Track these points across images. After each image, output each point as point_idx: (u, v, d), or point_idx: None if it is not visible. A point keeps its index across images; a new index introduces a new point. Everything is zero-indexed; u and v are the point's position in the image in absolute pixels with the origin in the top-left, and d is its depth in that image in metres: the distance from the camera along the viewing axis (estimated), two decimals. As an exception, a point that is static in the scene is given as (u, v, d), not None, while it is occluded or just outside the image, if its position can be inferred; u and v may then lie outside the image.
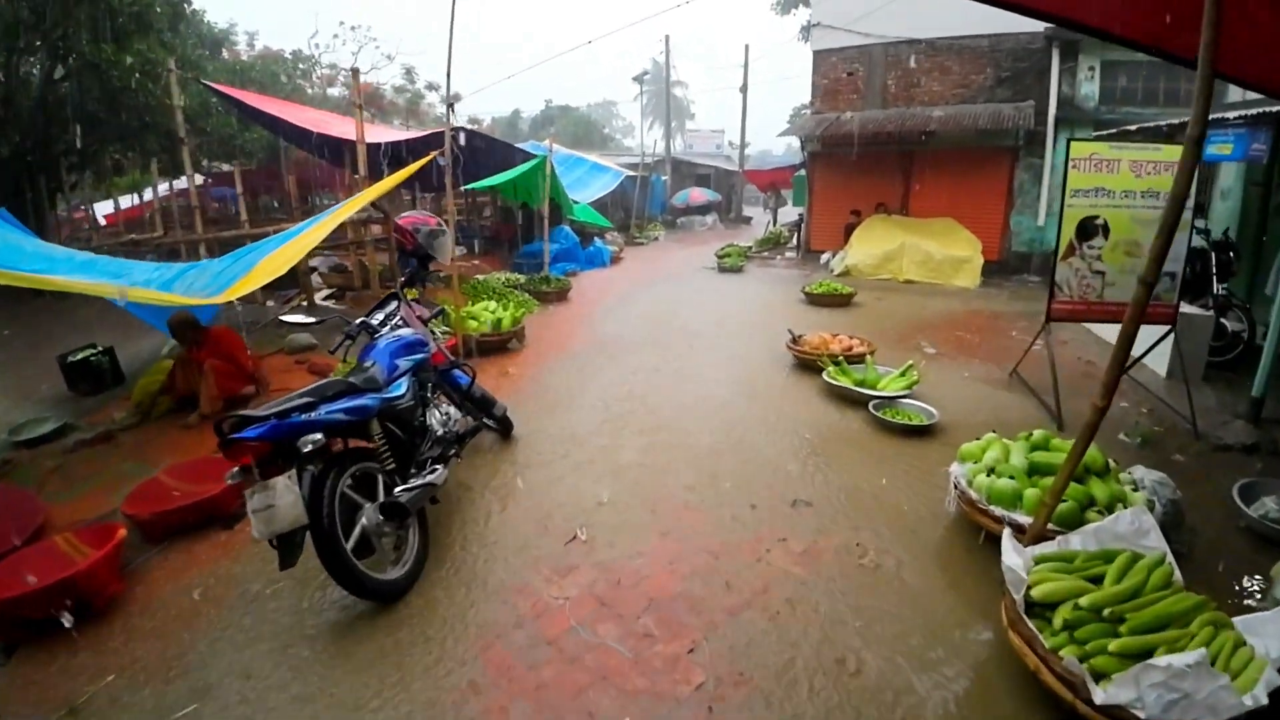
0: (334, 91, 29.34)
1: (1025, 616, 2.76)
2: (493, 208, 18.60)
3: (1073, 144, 5.76)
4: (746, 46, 28.57)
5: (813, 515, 3.95)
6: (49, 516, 4.25)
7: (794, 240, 18.41)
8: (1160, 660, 2.31)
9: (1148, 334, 6.50)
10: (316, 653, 2.94)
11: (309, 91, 26.36)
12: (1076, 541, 3.21)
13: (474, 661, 2.84)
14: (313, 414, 3.03)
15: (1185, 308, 6.35)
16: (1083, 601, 2.73)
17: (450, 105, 6.66)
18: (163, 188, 18.89)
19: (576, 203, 16.02)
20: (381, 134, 10.69)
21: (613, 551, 3.59)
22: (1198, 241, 6.95)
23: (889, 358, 6.93)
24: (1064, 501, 3.39)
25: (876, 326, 8.85)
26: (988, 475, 3.74)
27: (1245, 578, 3.42)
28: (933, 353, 7.62)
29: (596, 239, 17.18)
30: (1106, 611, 2.68)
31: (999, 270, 13.21)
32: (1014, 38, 13.40)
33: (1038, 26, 12.79)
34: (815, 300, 10.46)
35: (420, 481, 3.35)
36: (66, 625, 3.07)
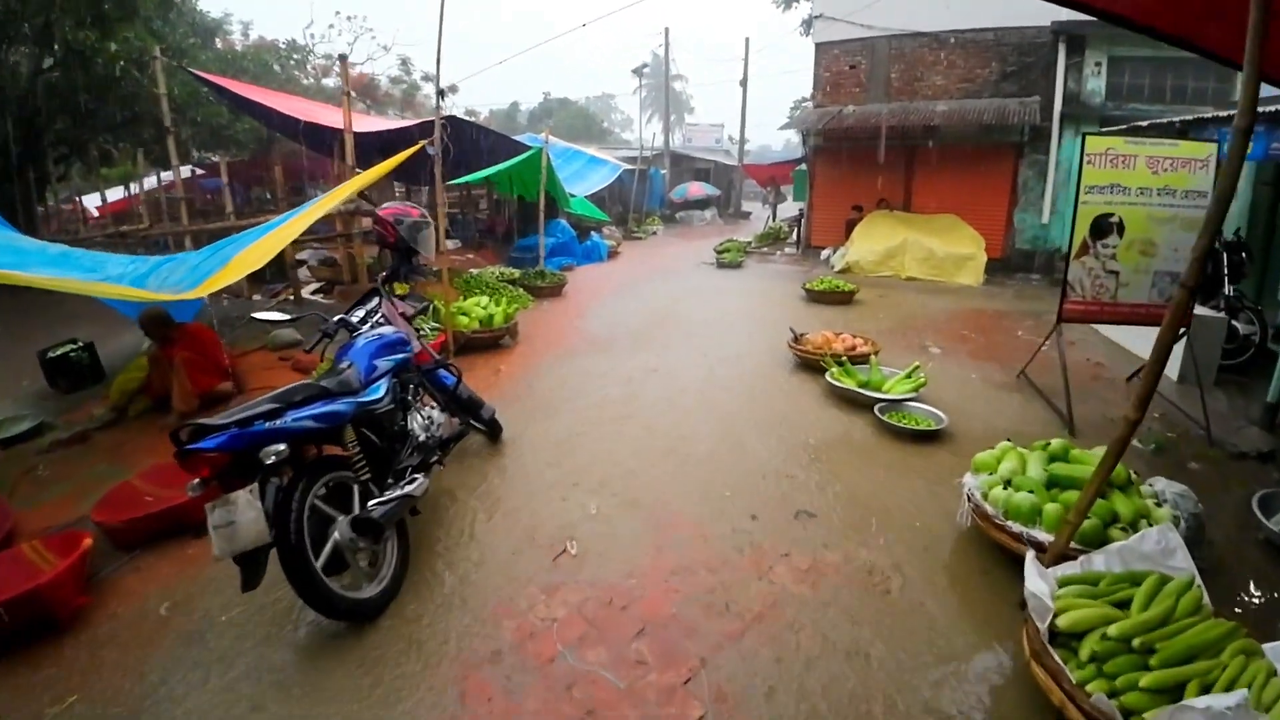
0: (329, 82, 28.98)
1: (1050, 647, 2.56)
2: (488, 201, 18.33)
3: (1089, 138, 5.52)
4: (747, 40, 28.39)
5: (817, 527, 3.73)
6: (17, 522, 4.05)
7: (794, 236, 18.18)
8: (1198, 702, 2.13)
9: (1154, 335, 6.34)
10: (283, 682, 2.71)
11: (304, 82, 26.02)
12: (1100, 562, 3.01)
13: (452, 691, 2.61)
14: (278, 422, 2.79)
15: (1198, 310, 6.15)
16: (1111, 631, 2.53)
17: (440, 92, 6.38)
18: (155, 179, 18.66)
19: (573, 196, 15.77)
20: (370, 123, 10.43)
21: (604, 567, 3.36)
22: (1207, 241, 6.72)
23: (893, 358, 6.72)
24: (1086, 518, 3.19)
25: (879, 325, 8.64)
26: (1004, 488, 3.52)
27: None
28: (937, 353, 7.40)
29: (593, 233, 16.93)
30: (1136, 642, 2.48)
31: (1001, 268, 13.00)
32: (1019, 31, 13.16)
33: (1044, 20, 12.55)
34: (816, 297, 10.23)
35: (397, 493, 3.11)
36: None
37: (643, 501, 4.02)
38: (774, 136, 66.91)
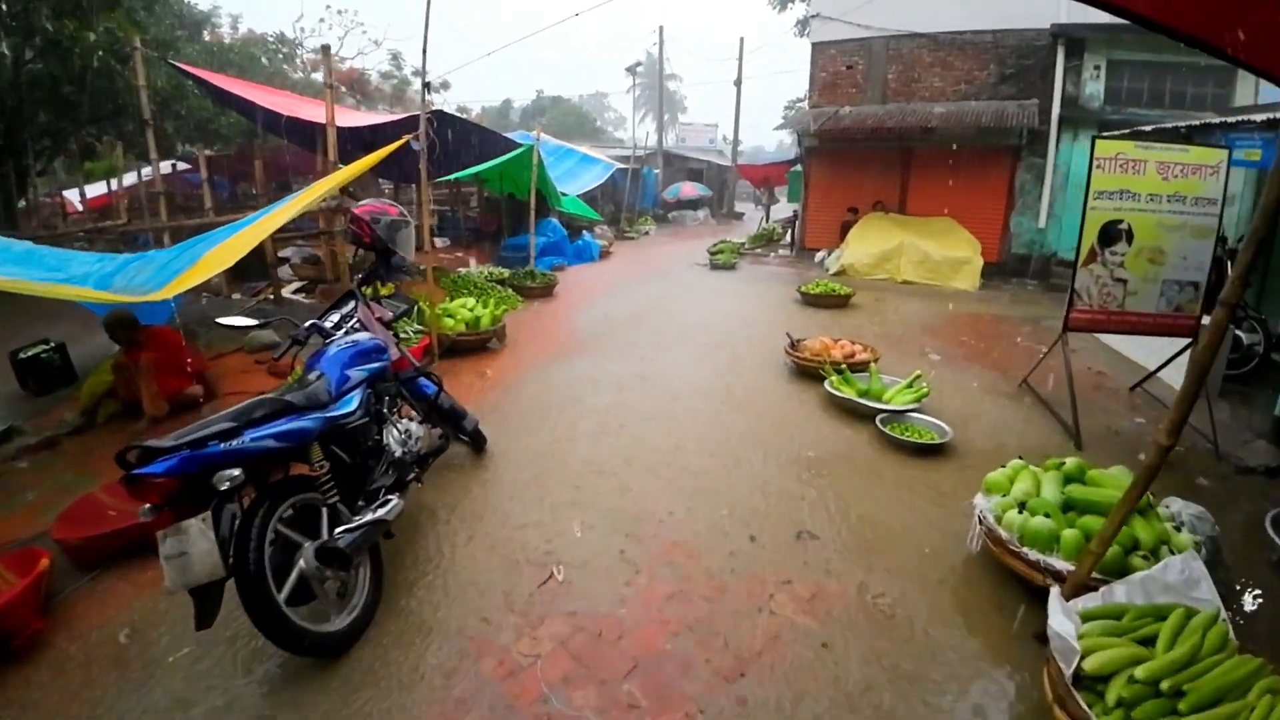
0: (319, 76, 28.59)
1: (1074, 690, 2.36)
2: (479, 198, 18.05)
3: (1098, 142, 5.34)
4: (741, 39, 28.18)
5: (819, 550, 3.51)
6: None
7: (788, 237, 18.01)
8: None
9: (1164, 345, 6.18)
10: (240, 723, 2.48)
11: (294, 76, 25.63)
12: (1121, 593, 2.83)
13: (425, 738, 2.39)
14: (234, 442, 2.54)
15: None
16: (1139, 673, 2.35)
17: (427, 86, 6.12)
18: (136, 174, 18.23)
19: (565, 195, 15.52)
20: (354, 118, 10.15)
21: (593, 596, 3.13)
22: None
23: (892, 365, 6.52)
24: (1107, 545, 3.01)
25: (876, 330, 8.45)
26: (1018, 511, 3.32)
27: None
28: (937, 359, 7.21)
29: (585, 232, 16.69)
30: (1165, 684, 2.31)
31: (997, 272, 12.85)
32: (1018, 34, 13.03)
33: (1043, 22, 12.44)
34: (812, 300, 10.03)
35: (368, 519, 2.86)
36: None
37: (634, 522, 3.79)
38: (767, 137, 66.88)
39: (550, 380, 6.38)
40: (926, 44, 13.81)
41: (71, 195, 18.49)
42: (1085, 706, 2.30)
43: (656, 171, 28.80)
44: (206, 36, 21.84)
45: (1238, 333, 6.68)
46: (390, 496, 3.08)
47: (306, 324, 3.60)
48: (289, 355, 3.55)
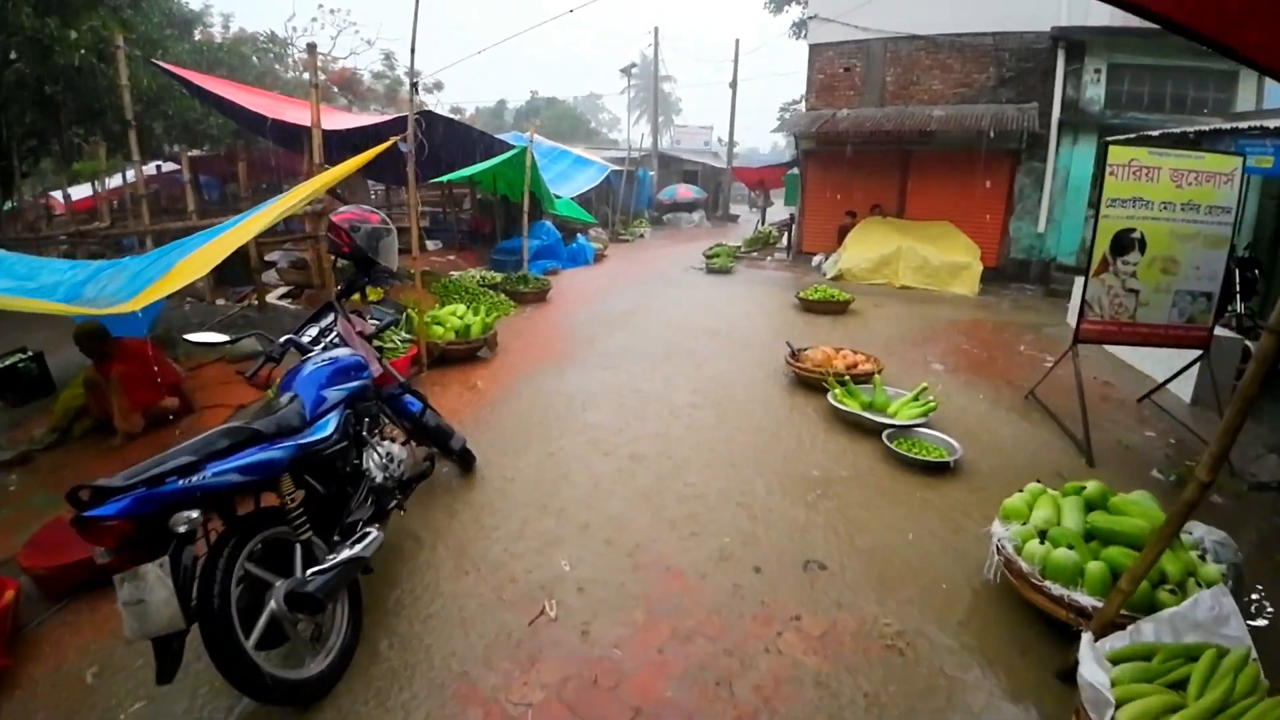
0: (309, 76, 28.22)
1: (1110, 744, 2.17)
2: (472, 200, 17.81)
3: (1112, 148, 5.17)
4: (737, 41, 28.03)
5: (828, 582, 3.30)
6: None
7: (784, 241, 17.84)
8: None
9: (1170, 355, 6.02)
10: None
11: (285, 76, 25.31)
12: (1149, 631, 2.65)
13: (403, 802, 2.17)
14: (194, 478, 2.32)
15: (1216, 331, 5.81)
16: (1173, 724, 2.16)
17: (414, 85, 5.90)
18: (121, 176, 17.91)
19: (559, 197, 15.30)
20: (340, 119, 9.91)
21: (588, 635, 2.91)
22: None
23: (894, 375, 6.34)
24: (1135, 578, 2.83)
25: (876, 337, 8.26)
26: (1040, 542, 3.12)
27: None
28: (940, 369, 7.02)
29: (580, 235, 16.47)
30: (1198, 735, 2.12)
31: (996, 277, 12.69)
32: (1018, 37, 12.87)
33: (1043, 25, 12.29)
34: (810, 306, 9.84)
35: (342, 557, 2.63)
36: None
37: (631, 549, 3.57)
38: (762, 139, 66.80)
39: (543, 392, 6.16)
40: (925, 46, 13.64)
41: (60, 196, 18.21)
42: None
43: (651, 174, 28.60)
44: (198, 36, 21.49)
45: (1247, 343, 6.52)
46: (369, 530, 2.86)
47: (281, 339, 3.36)
48: (263, 372, 3.32)
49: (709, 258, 14.56)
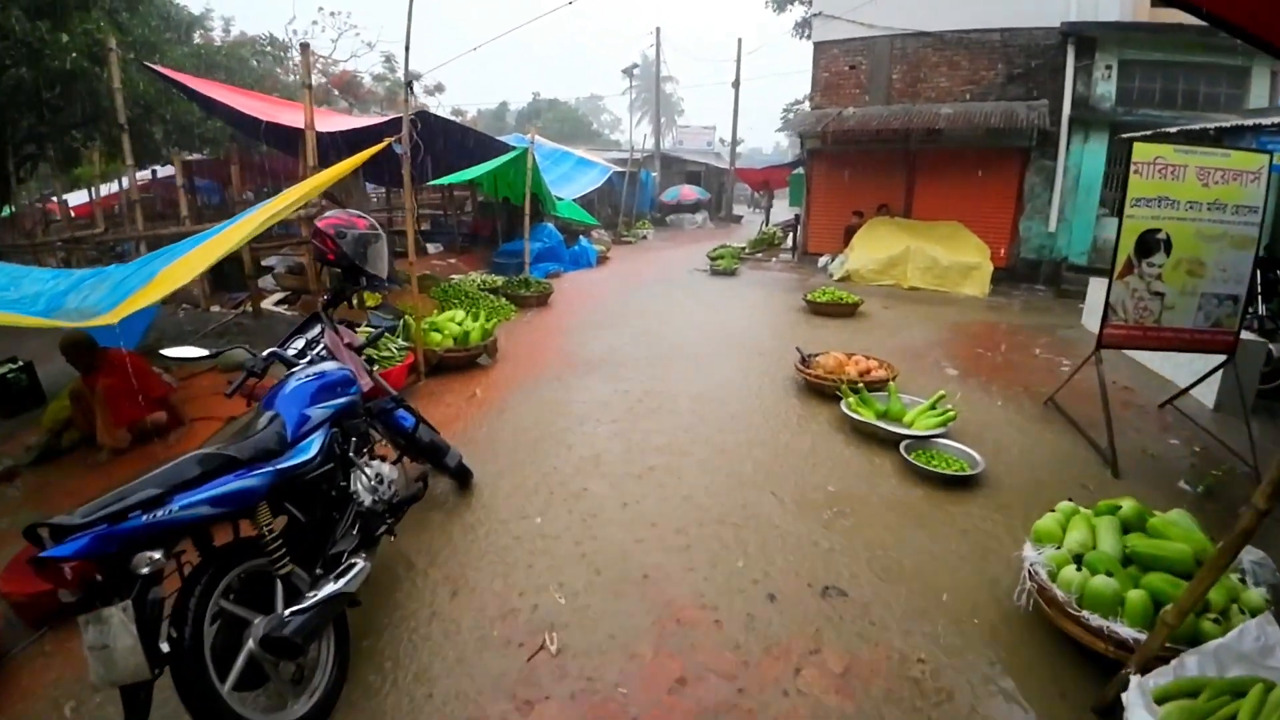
0: (303, 77, 28.03)
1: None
2: (473, 203, 17.63)
3: (1136, 145, 4.94)
4: (739, 40, 27.84)
5: (849, 610, 3.08)
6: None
7: (789, 241, 17.63)
8: None
9: (1191, 359, 5.80)
10: None
11: (285, 79, 25.15)
12: (1193, 664, 2.45)
13: None
14: (159, 513, 2.12)
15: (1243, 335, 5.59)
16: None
17: (409, 83, 5.71)
18: (117, 182, 17.74)
19: (561, 199, 15.12)
20: (335, 121, 9.71)
21: (591, 671, 2.70)
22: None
23: (908, 380, 6.12)
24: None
25: (887, 341, 8.04)
26: (1077, 568, 2.91)
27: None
28: (954, 374, 6.80)
29: (582, 237, 16.29)
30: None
31: (1006, 278, 12.45)
32: (1028, 33, 12.64)
33: (1052, 21, 12.09)
34: (818, 309, 9.62)
35: (322, 595, 2.42)
36: None
37: (637, 577, 3.34)
38: (765, 140, 66.65)
39: (544, 402, 5.94)
40: (932, 43, 13.42)
41: (68, 200, 18.13)
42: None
43: (654, 174, 28.42)
44: (198, 39, 21.34)
45: (1270, 347, 6.31)
46: (355, 560, 2.65)
47: (265, 352, 3.15)
48: (243, 389, 3.11)
49: (713, 259, 14.36)
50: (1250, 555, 3.13)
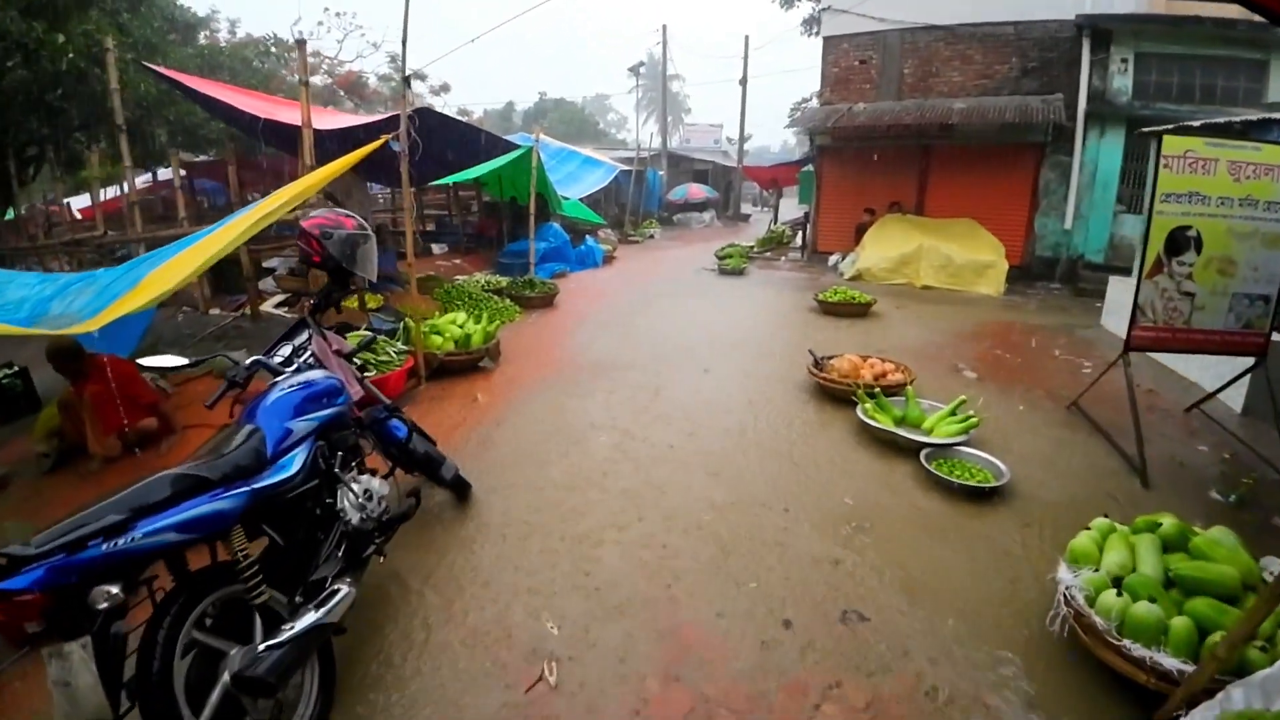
0: (316, 80, 28.03)
1: None
2: (478, 202, 17.48)
3: (1166, 138, 4.72)
4: (746, 38, 27.51)
5: (870, 636, 2.87)
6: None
7: (798, 240, 17.40)
8: None
9: (1216, 361, 5.57)
10: None
11: (290, 80, 25.08)
12: (1239, 698, 2.25)
13: None
14: (120, 541, 1.94)
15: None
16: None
17: (406, 79, 5.54)
18: (142, 179, 17.71)
19: (567, 198, 14.94)
20: (334, 120, 9.55)
21: (592, 708, 2.50)
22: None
23: (926, 384, 5.91)
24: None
25: (901, 342, 7.81)
26: (1117, 593, 2.69)
27: None
28: (973, 377, 6.57)
29: (588, 237, 16.11)
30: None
31: (1021, 276, 12.18)
32: (1042, 25, 12.38)
33: (1067, 13, 11.83)
34: (830, 309, 9.38)
35: (300, 627, 2.23)
36: None
37: (641, 599, 3.14)
38: (772, 137, 66.41)
39: (546, 409, 5.73)
40: (944, 37, 13.15)
41: (68, 203, 18.09)
42: None
43: (661, 173, 28.22)
44: (203, 40, 21.25)
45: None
46: (338, 587, 2.47)
47: (248, 361, 2.97)
48: (224, 400, 2.93)
49: (721, 259, 14.14)
50: (1297, 575, 2.91)
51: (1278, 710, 2.19)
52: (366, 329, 6.68)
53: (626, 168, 21.74)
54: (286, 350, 3.20)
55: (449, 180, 12.76)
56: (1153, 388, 6.39)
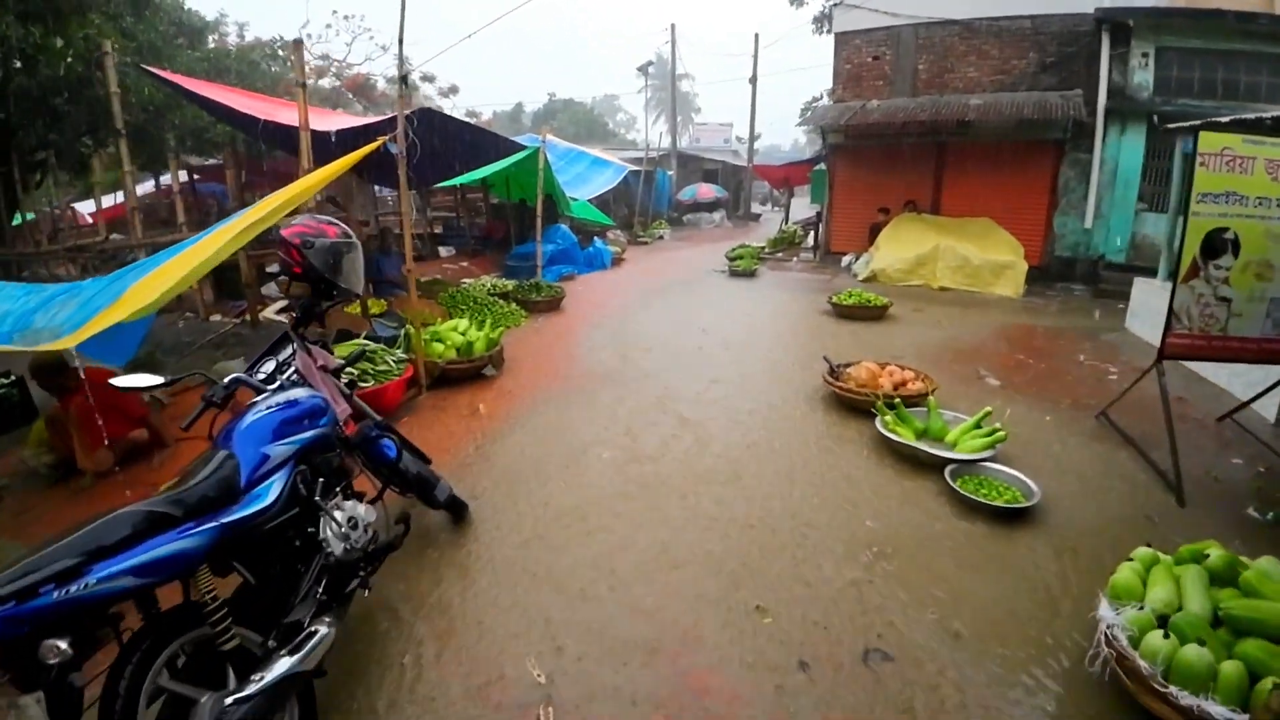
0: (325, 82, 28.04)
1: None
2: (486, 204, 17.33)
3: (1203, 134, 4.46)
4: (756, 35, 27.32)
5: (896, 679, 2.63)
6: None
7: (810, 240, 17.14)
8: None
9: (1251, 370, 5.30)
10: None
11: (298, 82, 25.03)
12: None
13: None
14: (73, 586, 1.76)
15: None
16: None
17: (403, 77, 5.36)
18: (149, 186, 17.71)
19: (575, 199, 14.76)
20: (331, 120, 9.39)
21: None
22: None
23: (946, 392, 5.68)
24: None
25: (920, 347, 7.57)
26: (1164, 635, 2.46)
27: None
28: (995, 385, 6.32)
29: (597, 238, 15.93)
30: None
31: (1040, 277, 11.89)
32: (1059, 19, 12.09)
33: (1086, 6, 11.53)
34: (844, 313, 9.14)
35: (271, 677, 2.03)
36: None
37: (646, 636, 2.91)
38: (782, 136, 66.05)
39: (549, 422, 5.50)
40: (959, 31, 12.87)
41: (83, 208, 18.10)
42: None
43: (670, 174, 27.99)
44: (212, 44, 21.23)
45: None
46: (316, 628, 2.27)
47: (227, 378, 2.76)
48: (200, 421, 2.73)
49: (732, 260, 13.93)
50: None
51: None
52: (368, 336, 6.51)
53: (635, 168, 21.55)
54: (270, 366, 3.01)
55: (455, 182, 12.60)
56: (1182, 395, 6.12)
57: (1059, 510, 3.95)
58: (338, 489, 2.81)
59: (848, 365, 5.90)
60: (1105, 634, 2.58)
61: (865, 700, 2.54)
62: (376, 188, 14.60)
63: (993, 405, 5.10)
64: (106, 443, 4.30)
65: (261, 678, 2.03)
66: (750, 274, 13.24)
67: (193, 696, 2.02)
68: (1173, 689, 2.31)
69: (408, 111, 5.66)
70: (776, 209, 31.47)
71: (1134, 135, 11.48)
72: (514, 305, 9.46)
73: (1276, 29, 10.66)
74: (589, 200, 16.46)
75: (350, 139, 7.15)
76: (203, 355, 6.93)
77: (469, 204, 17.85)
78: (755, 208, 33.68)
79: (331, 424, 2.84)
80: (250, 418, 2.54)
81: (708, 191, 27.79)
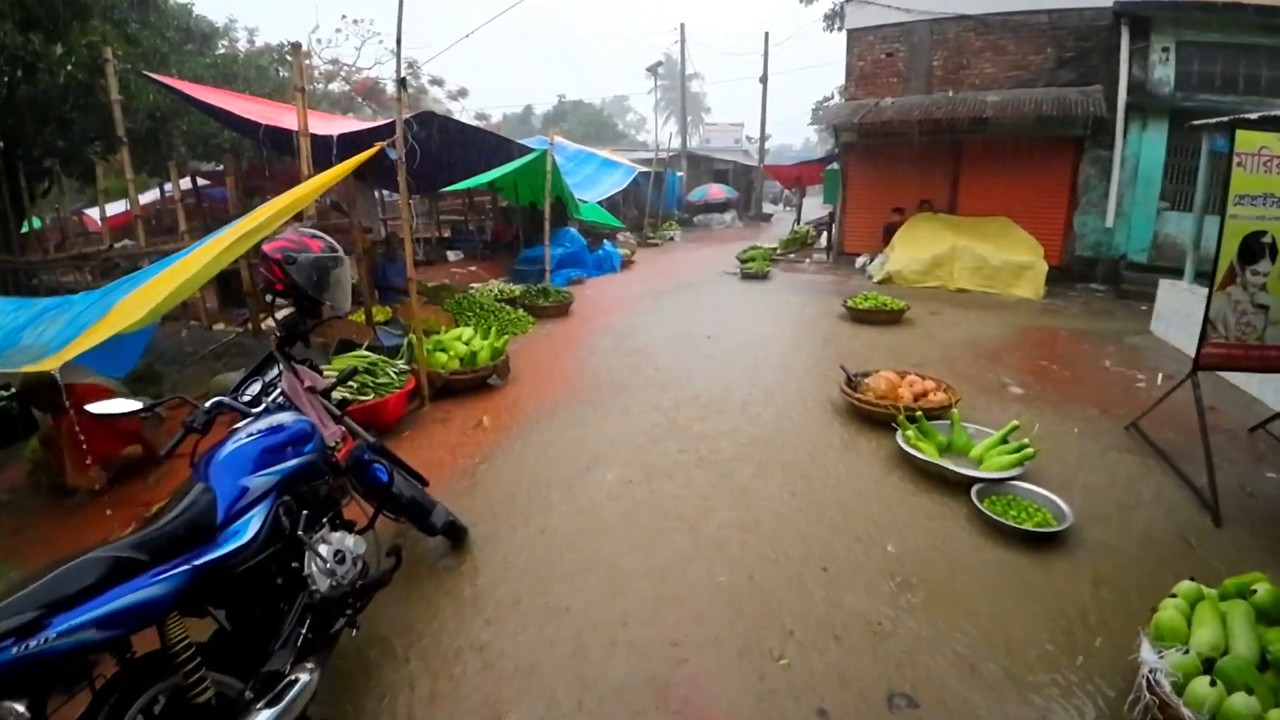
0: (334, 86, 28.03)
1: None
2: (494, 208, 17.21)
3: (1240, 133, 4.24)
4: (766, 34, 27.09)
5: (919, 726, 2.45)
6: None
7: (822, 241, 16.90)
8: None
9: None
10: None
11: (308, 88, 25.03)
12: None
13: None
14: (31, 642, 1.62)
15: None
16: None
17: (401, 81, 5.20)
18: (157, 193, 17.69)
19: (584, 202, 14.60)
20: (330, 124, 9.27)
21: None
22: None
23: (969, 402, 5.46)
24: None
25: (938, 352, 7.34)
26: (1210, 681, 2.25)
27: None
28: (1019, 394, 6.07)
29: (606, 241, 15.77)
30: None
31: (1060, 277, 11.58)
32: (1078, 14, 11.79)
33: (1104, 0, 11.21)
34: (860, 317, 8.90)
35: None
36: None
37: (652, 675, 2.72)
38: (793, 136, 65.74)
39: (554, 437, 5.30)
40: (974, 27, 12.60)
41: (95, 214, 18.13)
42: None
43: (680, 174, 27.80)
44: (222, 49, 21.23)
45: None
46: (296, 676, 2.11)
47: (209, 402, 2.59)
48: (180, 446, 2.56)
49: (743, 262, 13.72)
50: None
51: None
52: (372, 344, 6.37)
53: (645, 169, 21.37)
54: (255, 388, 2.85)
55: (462, 186, 12.47)
56: (1212, 404, 5.83)
57: (1092, 533, 3.72)
58: (324, 520, 2.65)
59: (866, 375, 5.68)
60: (1147, 678, 2.37)
61: (890, 752, 2.33)
62: (386, 193, 14.48)
63: (1017, 416, 4.88)
64: (89, 461, 4.18)
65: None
66: (762, 276, 13.02)
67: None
68: (1223, 742, 2.12)
69: (408, 115, 5.50)
70: (788, 209, 31.23)
71: (1155, 132, 11.18)
72: (521, 311, 9.30)
73: (1296, 24, 10.35)
74: (598, 202, 16.30)
75: (351, 144, 7.01)
76: (203, 366, 6.82)
77: (477, 207, 17.74)
78: (767, 208, 33.44)
79: (318, 450, 2.68)
80: (229, 446, 2.39)
81: (718, 192, 27.59)
